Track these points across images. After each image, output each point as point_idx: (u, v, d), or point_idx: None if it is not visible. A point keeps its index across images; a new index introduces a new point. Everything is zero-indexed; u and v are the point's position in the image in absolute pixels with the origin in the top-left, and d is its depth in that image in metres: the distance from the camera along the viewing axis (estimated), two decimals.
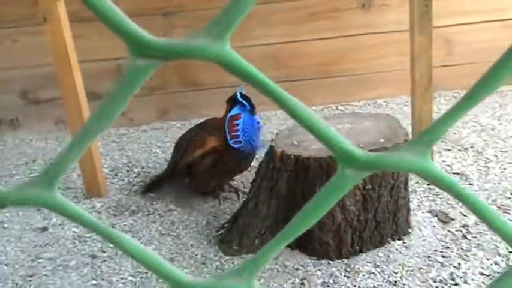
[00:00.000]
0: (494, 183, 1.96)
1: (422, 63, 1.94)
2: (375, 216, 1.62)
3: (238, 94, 1.86)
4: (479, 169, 2.07)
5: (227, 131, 1.84)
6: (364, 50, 2.77)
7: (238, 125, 1.82)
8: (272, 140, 1.70)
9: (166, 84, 2.79)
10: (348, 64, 2.79)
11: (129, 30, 0.24)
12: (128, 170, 2.33)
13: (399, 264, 1.59)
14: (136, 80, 0.24)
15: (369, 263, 1.61)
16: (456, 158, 2.17)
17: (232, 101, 1.88)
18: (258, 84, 0.25)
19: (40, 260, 1.77)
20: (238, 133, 1.83)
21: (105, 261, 1.75)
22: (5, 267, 1.76)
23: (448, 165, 2.11)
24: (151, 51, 0.24)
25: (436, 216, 1.82)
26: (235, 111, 1.86)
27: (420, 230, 1.74)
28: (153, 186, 2.11)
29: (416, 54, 1.93)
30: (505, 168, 2.05)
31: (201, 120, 2.75)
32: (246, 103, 1.84)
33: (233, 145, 1.83)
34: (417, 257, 1.62)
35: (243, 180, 2.11)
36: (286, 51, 2.75)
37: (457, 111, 0.25)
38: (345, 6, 2.70)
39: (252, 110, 1.85)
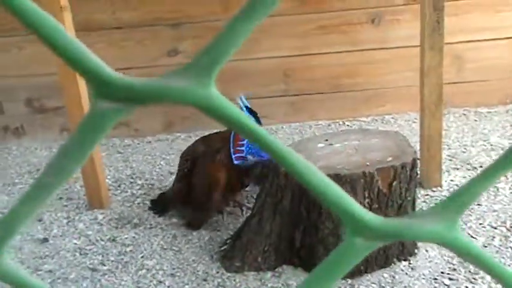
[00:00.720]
0: (504, 205, 1.93)
1: (432, 79, 1.92)
2: None
3: (243, 108, 1.83)
4: (488, 190, 2.04)
5: (232, 145, 1.82)
6: (374, 65, 2.76)
7: (243, 139, 1.80)
8: None
9: None
10: (357, 79, 2.78)
11: (90, 65, 0.19)
12: (131, 182, 2.32)
13: (405, 286, 1.56)
14: (99, 127, 0.20)
15: (374, 284, 1.58)
16: (465, 177, 2.14)
17: None
18: (249, 133, 0.22)
19: (39, 272, 1.76)
20: (243, 148, 1.80)
21: (105, 274, 1.73)
22: None
23: (456, 185, 2.08)
24: (119, 92, 0.20)
25: None
26: None
27: (427, 251, 1.71)
28: (161, 207, 2.06)
29: (426, 70, 1.91)
30: None
31: (207, 132, 2.75)
32: (252, 116, 1.81)
33: (235, 161, 1.81)
34: (423, 278, 1.59)
35: (247, 195, 2.09)
36: (295, 64, 2.73)
37: (489, 173, 0.23)
38: (356, 21, 2.69)
39: (258, 124, 1.82)
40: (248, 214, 1.80)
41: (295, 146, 1.73)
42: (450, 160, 2.28)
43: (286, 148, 0.22)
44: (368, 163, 1.56)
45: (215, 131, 2.72)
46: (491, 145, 2.41)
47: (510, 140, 2.44)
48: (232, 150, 1.82)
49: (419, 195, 1.94)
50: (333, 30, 2.70)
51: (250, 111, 1.82)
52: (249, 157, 1.82)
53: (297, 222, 1.61)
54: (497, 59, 2.74)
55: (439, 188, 2.05)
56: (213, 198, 1.87)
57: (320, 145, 1.72)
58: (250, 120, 0.21)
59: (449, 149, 2.38)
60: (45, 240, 1.94)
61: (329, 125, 2.76)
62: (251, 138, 0.22)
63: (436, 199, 1.99)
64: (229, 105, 0.21)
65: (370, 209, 1.49)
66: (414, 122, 2.70)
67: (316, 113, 2.81)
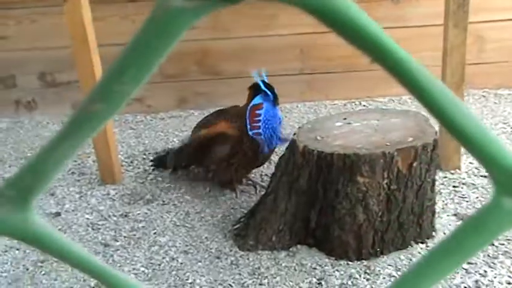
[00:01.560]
0: None
1: (456, 58, 1.87)
2: (398, 218, 1.57)
3: (261, 83, 1.79)
4: None
5: (248, 121, 1.78)
6: None
7: (259, 115, 1.76)
8: (294, 134, 1.65)
9: (185, 72, 2.75)
10: None
11: None
12: (144, 158, 2.30)
13: None
14: (172, 30, 0.18)
15: (390, 265, 1.56)
16: None
17: (255, 89, 1.81)
18: None
19: None
20: (259, 124, 1.76)
21: (117, 250, 1.72)
22: (17, 252, 1.74)
23: (476, 168, 2.04)
24: None
25: (462, 220, 1.76)
26: (257, 100, 1.78)
27: (444, 233, 1.68)
28: (161, 160, 2.11)
29: (449, 49, 1.86)
30: None
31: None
32: (269, 92, 1.77)
33: (253, 136, 1.78)
34: None
35: (261, 173, 2.07)
36: (312, 42, 2.69)
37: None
38: None
39: (275, 101, 1.78)
40: (262, 193, 1.77)
41: (312, 124, 1.70)
42: None
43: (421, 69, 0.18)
44: (388, 143, 1.52)
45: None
46: (511, 127, 2.36)
47: None
48: (249, 126, 1.78)
49: (437, 177, 1.91)
50: None
51: (268, 86, 1.78)
52: (264, 135, 1.78)
53: (313, 202, 1.59)
54: None
55: (458, 171, 2.02)
56: (216, 151, 1.84)
57: (338, 124, 1.68)
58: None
59: None
60: (58, 214, 1.93)
61: (345, 105, 2.72)
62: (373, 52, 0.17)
63: (455, 181, 1.96)
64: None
65: (389, 190, 1.47)
66: None
67: (332, 92, 2.77)
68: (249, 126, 1.77)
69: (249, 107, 1.78)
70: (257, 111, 1.76)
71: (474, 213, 0.19)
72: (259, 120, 1.75)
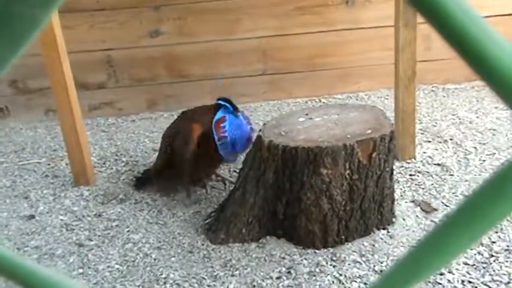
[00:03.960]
0: (475, 175, 1.88)
1: (407, 55, 1.85)
2: (360, 206, 1.53)
3: (219, 101, 1.75)
4: (459, 160, 1.99)
5: (214, 134, 1.71)
6: (348, 45, 2.68)
7: (224, 127, 1.71)
8: (259, 130, 1.60)
9: (154, 76, 2.66)
10: (332, 58, 2.70)
11: None
12: (116, 159, 2.21)
13: (384, 254, 1.50)
14: None
15: (355, 252, 1.52)
16: (437, 149, 2.09)
17: (216, 108, 1.76)
18: None
19: (26, 249, 1.66)
20: (226, 134, 1.71)
21: (92, 249, 1.63)
22: None
23: (429, 157, 2.03)
24: None
25: (419, 206, 1.73)
26: (219, 114, 1.73)
27: (404, 219, 1.66)
28: (146, 183, 1.96)
29: (401, 47, 1.84)
30: (484, 160, 1.97)
31: None
32: (227, 105, 1.73)
33: (221, 151, 1.72)
34: (402, 246, 1.54)
35: (230, 169, 2.01)
36: (273, 44, 2.64)
37: None
38: (330, 2, 2.60)
39: (235, 110, 1.74)
40: (231, 188, 1.71)
41: (277, 121, 1.65)
42: (422, 134, 2.23)
43: None
44: (348, 136, 1.48)
45: None
46: (460, 119, 2.36)
47: (477, 114, 2.40)
48: (216, 137, 1.71)
49: (394, 167, 1.88)
50: (310, 11, 2.60)
51: (226, 100, 1.74)
52: (229, 138, 1.72)
53: (280, 194, 1.53)
54: None
55: (413, 160, 2.00)
56: (188, 151, 1.75)
57: (301, 119, 1.63)
58: None
59: (421, 123, 2.33)
60: (32, 217, 1.83)
61: (306, 102, 2.68)
62: None
63: (411, 170, 1.94)
64: None
65: (351, 180, 1.43)
66: (386, 99, 2.64)
67: (293, 91, 2.73)
68: (216, 137, 1.71)
69: (213, 123, 1.72)
70: (221, 124, 1.71)
71: (491, 175, 0.14)
72: (225, 131, 1.70)
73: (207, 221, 1.68)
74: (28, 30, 0.15)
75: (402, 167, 1.96)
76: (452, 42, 0.16)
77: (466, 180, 1.84)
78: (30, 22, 0.16)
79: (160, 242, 1.64)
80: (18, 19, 0.15)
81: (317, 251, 1.53)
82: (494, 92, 0.16)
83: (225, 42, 2.61)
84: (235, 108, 1.74)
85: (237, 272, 1.47)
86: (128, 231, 1.71)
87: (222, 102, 1.74)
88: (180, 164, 1.78)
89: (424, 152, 2.07)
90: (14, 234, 1.74)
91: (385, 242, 1.55)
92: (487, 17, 2.59)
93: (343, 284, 1.39)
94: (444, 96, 2.64)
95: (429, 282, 1.37)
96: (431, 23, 0.16)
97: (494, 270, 1.39)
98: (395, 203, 1.69)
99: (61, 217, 1.82)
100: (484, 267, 1.41)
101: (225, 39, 2.61)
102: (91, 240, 1.68)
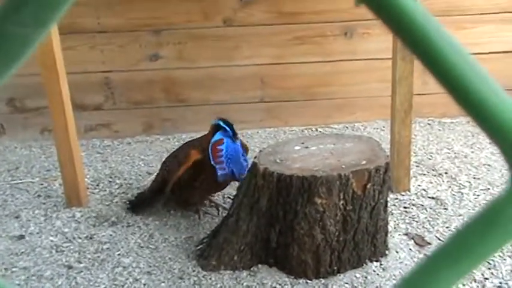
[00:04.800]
0: (469, 209, 1.88)
1: (404, 88, 1.87)
2: (354, 237, 1.53)
3: (220, 121, 1.75)
4: (454, 194, 2.00)
5: (211, 156, 1.72)
6: (345, 75, 2.71)
7: (221, 150, 1.71)
8: (255, 157, 1.60)
9: (152, 99, 2.68)
10: (329, 88, 2.72)
11: None
12: (110, 181, 2.20)
13: (376, 286, 1.49)
14: None
15: (347, 283, 1.51)
16: (431, 182, 2.10)
17: (215, 129, 1.77)
18: None
19: (14, 269, 1.64)
20: (222, 158, 1.71)
21: (81, 272, 1.62)
22: None
23: (424, 190, 2.03)
24: None
25: (413, 239, 1.73)
26: (217, 136, 1.74)
27: (397, 252, 1.65)
28: (139, 206, 1.96)
29: (398, 80, 1.86)
30: (478, 195, 1.98)
31: (185, 135, 2.66)
32: (228, 128, 1.73)
33: (218, 171, 1.72)
34: (394, 279, 1.53)
35: (224, 195, 2.00)
36: (271, 72, 2.67)
37: None
38: (329, 33, 2.64)
39: (234, 136, 1.74)
40: (225, 214, 1.71)
41: (273, 148, 1.65)
42: (417, 166, 2.23)
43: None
44: (343, 166, 1.49)
45: (194, 134, 2.64)
46: (455, 153, 2.38)
47: (472, 149, 2.41)
48: (212, 160, 1.72)
49: (388, 199, 1.89)
50: (308, 41, 2.64)
51: (226, 123, 1.74)
52: (226, 169, 1.72)
53: (273, 223, 1.53)
54: None
55: (408, 192, 2.00)
56: (179, 172, 1.75)
57: (297, 147, 1.64)
58: None
59: (416, 155, 2.34)
60: (22, 237, 1.81)
61: (302, 131, 2.69)
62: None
63: (405, 202, 1.94)
64: None
65: (345, 210, 1.43)
66: (382, 130, 2.66)
67: (290, 119, 2.75)
68: (213, 161, 1.71)
69: (210, 144, 1.72)
70: (218, 147, 1.71)
71: (482, 209, 0.14)
72: (222, 155, 1.71)
73: (199, 247, 1.67)
74: (20, 50, 0.15)
75: (396, 199, 1.96)
76: (444, 82, 0.16)
77: (460, 215, 1.85)
78: (23, 42, 0.15)
79: (150, 266, 1.63)
80: (11, 39, 0.15)
81: (309, 281, 1.52)
82: (482, 131, 0.16)
83: (224, 68, 2.64)
84: (234, 133, 1.74)
85: None
86: (119, 254, 1.70)
87: (222, 124, 1.74)
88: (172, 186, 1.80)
89: (419, 185, 2.07)
90: (3, 254, 1.72)
91: (378, 274, 1.55)
92: (478, 53, 2.63)
93: None
94: (440, 130, 2.66)
95: None
96: (423, 62, 0.17)
97: None
98: (389, 235, 1.68)
99: (51, 238, 1.80)
100: None
101: (224, 66, 2.64)
102: (80, 262, 1.66)
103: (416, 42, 0.16)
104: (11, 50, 0.15)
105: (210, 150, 1.72)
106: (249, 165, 1.65)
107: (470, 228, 0.17)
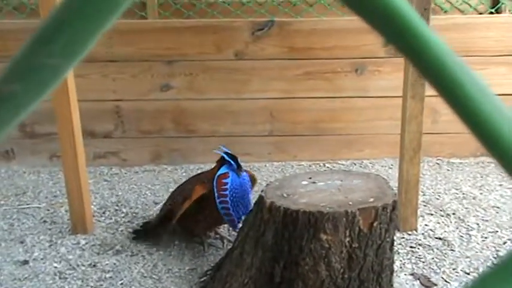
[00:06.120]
0: (476, 251, 1.88)
1: (413, 127, 1.90)
2: (359, 275, 1.53)
3: (225, 155, 1.77)
4: (461, 236, 2.00)
5: (215, 190, 1.74)
6: (355, 112, 2.75)
7: (226, 183, 1.74)
8: (262, 191, 1.62)
9: (161, 129, 2.72)
10: (338, 124, 2.76)
11: None
12: (116, 209, 2.23)
13: None
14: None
15: None
16: (439, 223, 2.10)
17: (221, 162, 1.80)
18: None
19: None
20: (227, 192, 1.74)
21: None
22: None
23: (431, 230, 2.04)
24: None
25: (419, 279, 1.73)
26: (223, 170, 1.77)
27: None
28: (144, 235, 1.98)
29: (408, 118, 1.89)
30: (486, 237, 1.98)
31: (193, 166, 2.69)
32: (232, 162, 1.76)
33: (221, 211, 1.74)
34: None
35: (229, 228, 2.02)
36: (281, 106, 2.71)
37: None
38: (340, 69, 2.69)
39: (239, 168, 1.77)
40: (229, 247, 1.72)
41: (280, 182, 1.68)
42: (425, 206, 2.24)
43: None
44: (350, 202, 1.51)
45: (201, 165, 2.67)
46: (463, 194, 2.39)
47: (481, 190, 2.42)
48: (216, 194, 1.74)
49: (395, 238, 1.89)
50: (319, 77, 2.69)
51: (231, 157, 1.77)
52: (231, 203, 1.74)
53: (278, 257, 1.54)
54: None
55: (415, 232, 2.01)
56: (183, 207, 1.77)
57: (304, 182, 1.66)
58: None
59: (424, 195, 2.35)
60: (26, 262, 1.83)
61: (310, 166, 2.72)
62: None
63: (412, 242, 1.94)
64: None
65: (351, 248, 1.44)
66: (390, 168, 2.68)
67: (298, 153, 2.77)
68: (216, 194, 1.74)
69: (215, 177, 1.75)
70: (223, 180, 1.74)
71: (503, 257, 0.15)
72: (227, 189, 1.73)
73: (203, 279, 1.68)
74: (50, 80, 0.16)
75: (403, 238, 1.97)
76: (465, 118, 0.17)
77: (467, 257, 1.85)
78: (53, 73, 0.16)
79: None
80: (41, 69, 0.15)
81: None
82: (505, 171, 0.17)
83: (234, 100, 2.69)
84: (239, 166, 1.77)
85: None
86: (121, 283, 1.71)
87: (226, 158, 1.77)
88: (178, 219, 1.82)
89: (426, 225, 2.08)
90: (6, 279, 1.73)
91: None
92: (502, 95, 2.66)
93: None
94: (448, 170, 2.67)
95: None
96: (446, 98, 0.17)
97: None
98: (395, 274, 1.68)
99: (55, 264, 1.82)
100: None
101: (234, 98, 2.68)
102: None
103: (442, 78, 0.17)
104: (41, 80, 0.16)
105: (215, 183, 1.75)
106: (252, 205, 1.67)
107: (491, 274, 0.17)
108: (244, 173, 1.79)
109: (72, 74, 1.91)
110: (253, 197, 1.76)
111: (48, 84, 0.16)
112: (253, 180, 1.86)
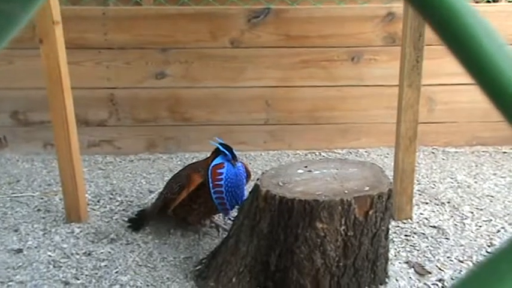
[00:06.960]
0: (470, 240, 1.90)
1: (409, 116, 1.90)
2: (354, 263, 1.54)
3: (219, 145, 1.78)
4: (456, 224, 2.01)
5: (210, 180, 1.75)
6: (351, 101, 2.75)
7: (221, 173, 1.74)
8: (257, 179, 1.63)
9: (156, 118, 2.72)
10: (334, 113, 2.76)
11: None
12: (110, 198, 2.23)
13: None
14: None
15: None
16: (433, 211, 2.11)
17: (216, 153, 1.81)
18: None
19: (10, 283, 1.65)
20: (222, 182, 1.74)
21: None
22: None
23: (426, 218, 2.05)
24: None
25: (413, 267, 1.74)
26: (218, 160, 1.77)
27: (397, 280, 1.67)
28: (139, 223, 1.98)
29: (404, 107, 1.89)
30: (480, 226, 2.00)
31: (188, 154, 2.69)
32: (227, 152, 1.76)
33: (215, 200, 1.75)
34: None
35: (224, 216, 2.02)
36: (277, 94, 2.71)
37: None
38: (336, 58, 2.68)
39: (234, 159, 1.77)
40: (224, 235, 1.73)
41: (275, 171, 1.68)
42: (420, 194, 2.26)
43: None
44: (346, 191, 1.51)
45: (196, 153, 2.68)
46: (458, 182, 2.40)
47: (475, 179, 2.43)
48: (211, 184, 1.74)
49: (390, 226, 1.90)
50: (315, 65, 2.69)
51: (226, 148, 1.77)
52: (226, 193, 1.75)
53: (273, 246, 1.55)
54: (467, 103, 2.76)
55: (409, 220, 2.02)
56: (181, 196, 1.78)
57: (300, 171, 1.67)
58: None
59: (419, 184, 2.36)
60: (20, 251, 1.83)
61: (306, 155, 2.72)
62: None
63: (406, 230, 1.95)
64: None
65: (346, 236, 1.45)
66: (386, 157, 2.69)
67: (294, 142, 2.78)
68: (211, 185, 1.74)
69: (210, 167, 1.76)
70: (218, 170, 1.74)
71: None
72: (221, 179, 1.73)
73: (198, 268, 1.69)
74: (6, 27, 0.15)
75: (398, 226, 1.98)
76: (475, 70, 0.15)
77: (461, 245, 1.86)
78: (8, 19, 0.15)
79: (148, 285, 1.64)
80: None
81: None
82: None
83: (229, 89, 2.68)
84: (234, 157, 1.77)
85: None
86: (117, 272, 1.71)
87: (221, 148, 1.77)
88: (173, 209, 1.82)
89: (421, 213, 2.09)
90: (0, 268, 1.73)
91: None
92: None
93: None
94: (444, 159, 2.69)
95: None
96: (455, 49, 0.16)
97: None
98: (389, 262, 1.70)
99: (49, 253, 1.82)
100: None
101: (229, 86, 2.68)
102: (78, 279, 1.68)
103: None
104: None
105: (209, 173, 1.75)
106: (245, 196, 1.67)
107: (497, 257, 0.17)
108: (240, 164, 1.79)
109: (66, 61, 1.90)
110: (247, 188, 1.76)
111: (5, 31, 0.15)
112: (248, 174, 1.86)
